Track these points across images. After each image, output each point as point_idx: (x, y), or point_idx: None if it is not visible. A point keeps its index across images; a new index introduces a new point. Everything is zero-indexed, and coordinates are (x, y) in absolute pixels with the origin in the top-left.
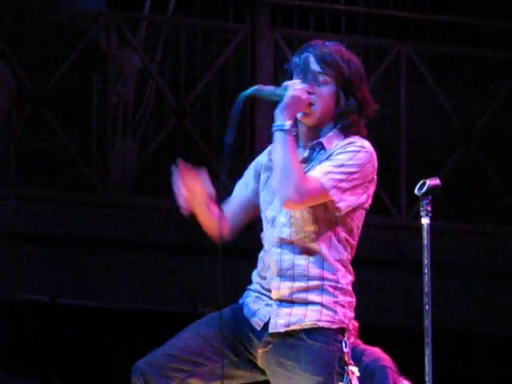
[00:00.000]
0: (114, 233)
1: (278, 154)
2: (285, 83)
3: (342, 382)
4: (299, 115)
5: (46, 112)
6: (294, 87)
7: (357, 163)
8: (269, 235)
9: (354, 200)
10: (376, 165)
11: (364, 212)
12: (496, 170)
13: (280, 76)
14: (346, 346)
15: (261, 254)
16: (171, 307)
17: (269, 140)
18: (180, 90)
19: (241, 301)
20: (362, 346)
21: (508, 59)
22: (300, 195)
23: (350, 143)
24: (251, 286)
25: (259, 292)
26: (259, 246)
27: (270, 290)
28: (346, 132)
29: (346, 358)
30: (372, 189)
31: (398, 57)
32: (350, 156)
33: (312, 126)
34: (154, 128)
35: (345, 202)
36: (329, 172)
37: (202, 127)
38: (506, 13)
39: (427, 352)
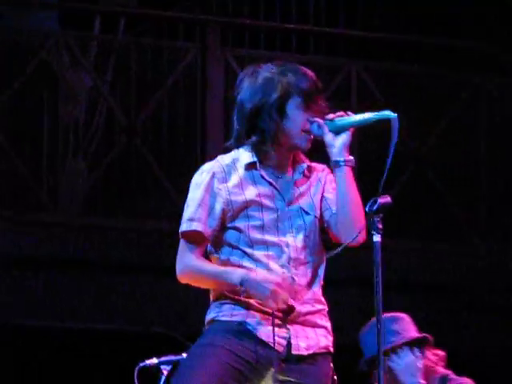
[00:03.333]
0: (64, 253)
1: (352, 188)
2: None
3: None
4: (304, 142)
5: None
6: None
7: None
8: (273, 258)
9: None
10: None
11: None
12: (447, 189)
13: (231, 95)
14: (333, 374)
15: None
16: (126, 327)
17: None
18: (131, 110)
19: (221, 315)
20: (453, 376)
21: (460, 78)
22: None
23: (325, 168)
24: (237, 303)
25: (262, 311)
26: None
27: (273, 311)
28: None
29: None
30: None
31: (349, 75)
32: (332, 179)
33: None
34: (104, 147)
35: None
36: None
37: (153, 146)
38: (454, 31)
39: (380, 370)
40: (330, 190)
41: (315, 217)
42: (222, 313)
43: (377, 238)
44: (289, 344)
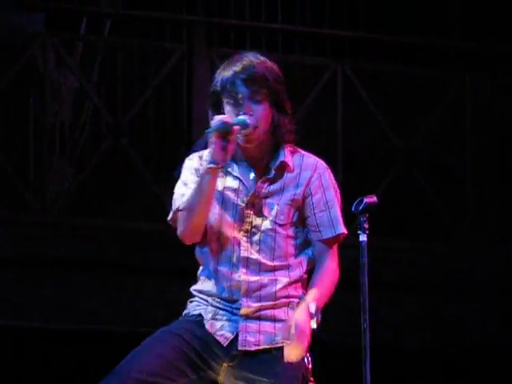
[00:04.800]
0: (50, 253)
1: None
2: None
3: None
4: (240, 140)
5: None
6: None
7: (333, 183)
8: (229, 254)
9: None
10: None
11: None
12: (433, 188)
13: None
14: (308, 362)
15: (211, 270)
16: (111, 327)
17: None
18: (117, 110)
19: (188, 312)
20: None
21: (445, 76)
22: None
23: (316, 166)
24: (202, 301)
25: (217, 307)
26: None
27: (232, 307)
28: (285, 142)
29: (308, 375)
30: None
31: (335, 75)
32: (327, 183)
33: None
34: (91, 148)
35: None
36: (334, 217)
37: (139, 147)
38: (441, 31)
39: (366, 369)
40: (312, 202)
41: (275, 222)
42: (188, 310)
43: (363, 237)
44: (236, 339)
